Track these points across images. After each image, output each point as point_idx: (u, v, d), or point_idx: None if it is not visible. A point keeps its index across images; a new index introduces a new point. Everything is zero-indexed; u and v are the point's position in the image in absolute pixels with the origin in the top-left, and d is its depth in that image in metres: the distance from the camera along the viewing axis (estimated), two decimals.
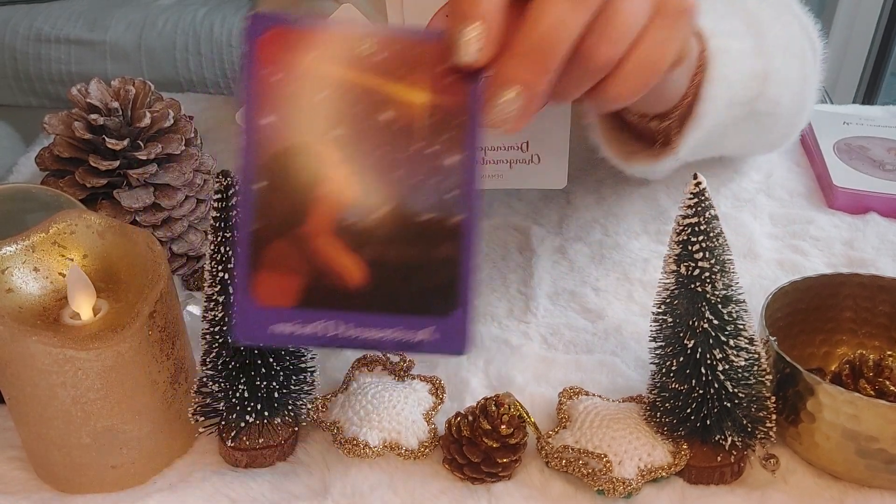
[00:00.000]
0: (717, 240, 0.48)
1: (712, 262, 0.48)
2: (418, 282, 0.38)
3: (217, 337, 0.49)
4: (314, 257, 0.37)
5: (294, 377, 0.52)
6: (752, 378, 0.50)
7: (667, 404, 0.51)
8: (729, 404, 0.50)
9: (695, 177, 0.47)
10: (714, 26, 0.58)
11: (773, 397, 0.51)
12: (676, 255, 0.49)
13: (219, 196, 0.49)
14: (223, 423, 0.52)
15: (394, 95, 0.37)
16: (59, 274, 0.51)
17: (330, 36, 0.37)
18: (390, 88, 0.37)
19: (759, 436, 0.51)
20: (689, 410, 0.50)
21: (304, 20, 0.37)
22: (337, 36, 0.37)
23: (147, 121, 0.62)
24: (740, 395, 0.50)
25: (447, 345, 0.38)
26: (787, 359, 0.51)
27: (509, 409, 0.51)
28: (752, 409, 0.50)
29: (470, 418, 0.51)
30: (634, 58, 0.42)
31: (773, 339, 0.52)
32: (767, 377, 0.51)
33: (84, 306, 0.48)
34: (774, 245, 0.74)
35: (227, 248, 0.49)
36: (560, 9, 0.39)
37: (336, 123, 0.37)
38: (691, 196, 0.47)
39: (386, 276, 0.37)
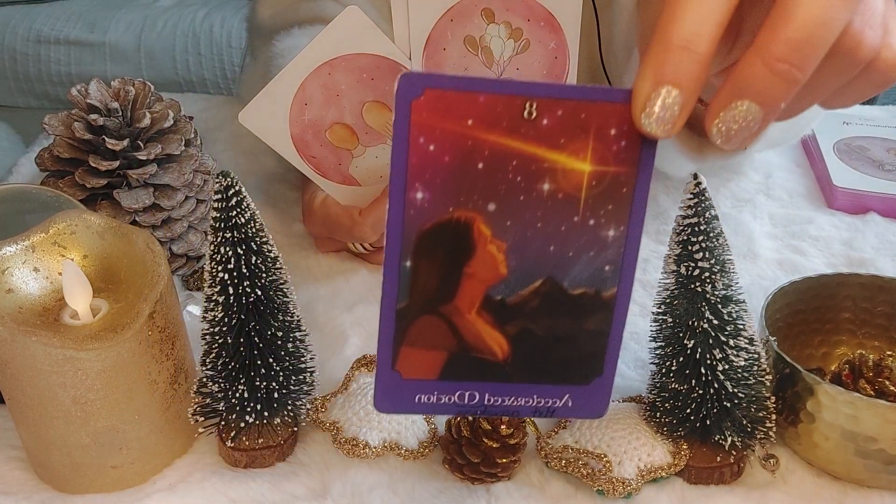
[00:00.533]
0: (717, 240, 0.48)
1: (712, 262, 0.48)
2: (563, 353, 0.37)
3: (217, 337, 0.49)
4: (461, 333, 0.36)
5: (294, 377, 0.52)
6: (751, 378, 0.50)
7: (666, 404, 0.51)
8: (729, 404, 0.50)
9: (695, 177, 0.47)
10: None
11: (773, 397, 0.51)
12: (676, 255, 0.49)
13: (219, 196, 0.49)
14: (223, 423, 0.52)
15: (555, 164, 0.34)
16: (59, 274, 0.51)
17: (490, 98, 0.33)
18: (552, 157, 0.34)
19: (758, 436, 0.51)
20: (688, 410, 0.50)
21: (460, 80, 0.33)
22: (498, 98, 0.33)
23: (147, 121, 0.62)
24: (740, 395, 0.50)
25: (585, 410, 0.38)
26: (787, 359, 0.51)
27: None
28: (752, 410, 0.50)
29: (470, 418, 0.51)
30: (892, 31, 0.36)
31: (772, 339, 0.52)
32: (767, 377, 0.51)
33: (80, 302, 0.48)
34: (774, 245, 0.74)
35: (227, 249, 0.49)
36: (814, 5, 0.32)
37: (492, 196, 0.34)
38: (691, 196, 0.47)
39: (530, 348, 0.37)
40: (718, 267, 0.48)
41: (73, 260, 0.51)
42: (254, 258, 0.50)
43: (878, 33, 0.36)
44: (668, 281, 0.50)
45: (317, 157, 0.64)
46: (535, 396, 0.38)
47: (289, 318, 0.51)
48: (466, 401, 0.37)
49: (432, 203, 0.34)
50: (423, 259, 0.35)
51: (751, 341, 0.50)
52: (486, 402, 0.38)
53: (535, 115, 0.33)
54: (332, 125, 0.63)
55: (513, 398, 0.38)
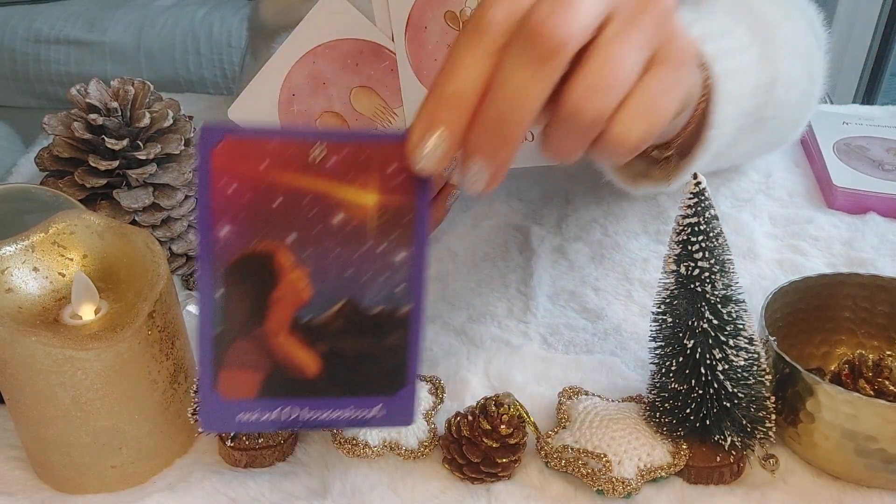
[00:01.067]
0: (717, 240, 0.48)
1: (712, 262, 0.48)
2: (369, 368, 0.41)
3: None
4: (273, 354, 0.39)
5: None
6: (751, 378, 0.50)
7: (666, 404, 0.51)
8: (728, 404, 0.50)
9: (695, 177, 0.47)
10: (717, 45, 0.56)
11: (773, 397, 0.51)
12: (676, 255, 0.49)
13: None
14: None
15: (345, 198, 0.38)
16: (59, 274, 0.51)
17: (281, 143, 0.37)
18: (341, 192, 0.38)
19: (758, 436, 0.51)
20: (688, 410, 0.50)
21: (255, 129, 0.37)
22: (288, 143, 0.37)
23: (146, 121, 0.62)
24: (740, 395, 0.50)
25: (395, 419, 0.42)
26: (787, 359, 0.51)
27: (509, 409, 0.51)
28: (752, 409, 0.50)
29: (470, 418, 0.51)
30: (632, 108, 0.39)
31: (772, 338, 0.52)
32: (767, 377, 0.51)
33: (87, 312, 0.49)
34: (774, 245, 0.74)
35: None
36: (518, 78, 0.37)
37: (290, 229, 0.38)
38: (691, 196, 0.47)
39: (339, 365, 0.40)
40: (718, 267, 0.48)
41: (73, 260, 0.51)
42: None
43: (604, 104, 0.38)
44: (667, 281, 0.50)
45: None
46: (348, 409, 0.41)
47: None
48: (285, 417, 0.41)
49: (237, 237, 0.37)
50: (233, 288, 0.38)
51: (750, 341, 0.50)
52: (303, 417, 0.41)
53: (322, 156, 0.37)
54: (322, 114, 0.63)
55: (328, 412, 0.41)
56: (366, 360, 0.40)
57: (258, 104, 0.61)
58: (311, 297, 0.39)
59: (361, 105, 0.63)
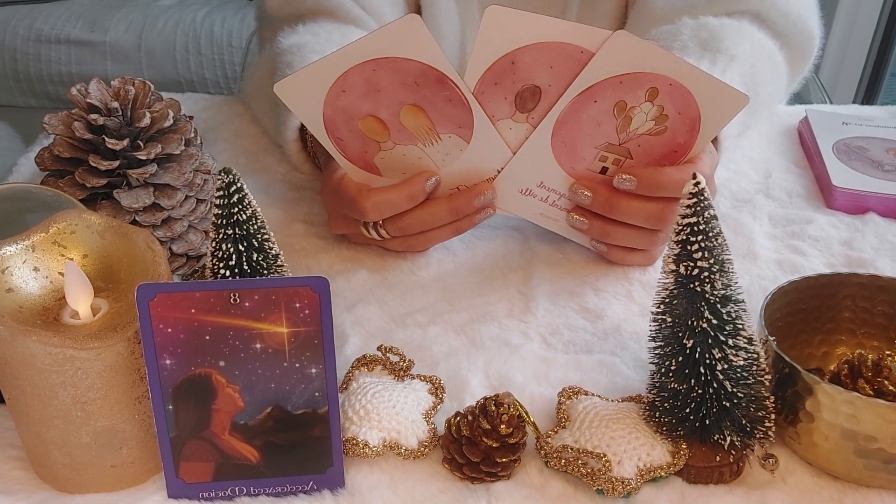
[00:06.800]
0: (716, 239, 0.48)
1: (711, 261, 0.48)
2: (299, 455, 0.50)
3: None
4: (220, 448, 0.49)
5: None
6: (751, 378, 0.50)
7: (666, 404, 0.51)
8: (728, 404, 0.50)
9: (694, 176, 0.47)
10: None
11: (772, 397, 0.51)
12: (675, 255, 0.49)
13: (221, 193, 0.49)
14: None
15: (262, 330, 0.47)
16: (60, 273, 0.51)
17: (203, 294, 0.46)
18: (258, 326, 0.47)
19: (758, 435, 0.51)
20: (688, 410, 0.50)
21: (180, 284, 0.46)
22: (208, 294, 0.46)
23: (147, 121, 0.62)
24: (739, 394, 0.50)
25: (328, 487, 0.50)
26: (786, 358, 0.51)
27: (509, 408, 0.51)
28: (751, 409, 0.50)
29: (469, 418, 0.51)
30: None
31: (772, 338, 0.52)
32: (766, 377, 0.51)
33: (81, 303, 0.49)
34: (773, 245, 0.74)
35: (229, 245, 0.49)
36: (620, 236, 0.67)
37: (220, 356, 0.48)
38: (690, 196, 0.47)
39: (274, 454, 0.50)
40: (717, 266, 0.48)
41: (73, 260, 0.51)
42: (255, 255, 0.50)
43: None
44: (667, 281, 0.50)
45: (344, 139, 0.64)
46: (286, 486, 0.50)
47: None
48: (237, 492, 0.50)
49: (178, 366, 0.47)
50: (180, 403, 0.48)
51: (750, 341, 0.50)
52: (251, 493, 0.50)
53: (238, 300, 0.46)
54: (366, 116, 0.63)
55: (270, 486, 0.50)
56: (296, 448, 0.49)
57: (308, 86, 0.61)
58: (244, 406, 0.48)
59: (409, 121, 0.63)
